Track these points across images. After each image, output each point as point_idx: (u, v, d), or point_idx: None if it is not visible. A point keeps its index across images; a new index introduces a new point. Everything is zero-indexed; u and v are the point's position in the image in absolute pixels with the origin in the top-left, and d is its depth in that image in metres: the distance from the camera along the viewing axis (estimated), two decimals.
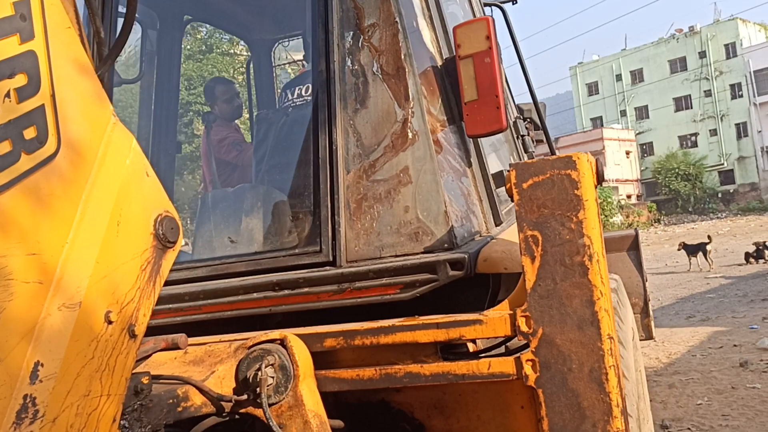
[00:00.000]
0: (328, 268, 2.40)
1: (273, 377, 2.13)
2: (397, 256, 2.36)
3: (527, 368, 2.03)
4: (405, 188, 2.39)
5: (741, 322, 9.75)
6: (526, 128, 4.47)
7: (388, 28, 2.50)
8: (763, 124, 57.65)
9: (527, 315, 2.03)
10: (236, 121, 4.47)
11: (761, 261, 16.16)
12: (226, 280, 2.51)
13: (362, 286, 2.34)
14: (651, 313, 6.64)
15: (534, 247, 2.04)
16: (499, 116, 2.44)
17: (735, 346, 8.27)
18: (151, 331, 2.44)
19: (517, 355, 2.06)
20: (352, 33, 2.54)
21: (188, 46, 29.02)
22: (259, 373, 2.09)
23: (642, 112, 65.41)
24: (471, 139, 2.66)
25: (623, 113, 66.17)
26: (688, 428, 5.59)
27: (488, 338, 2.16)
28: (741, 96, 59.00)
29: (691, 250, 18.29)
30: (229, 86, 4.56)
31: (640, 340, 6.67)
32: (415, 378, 2.16)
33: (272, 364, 2.13)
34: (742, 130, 59.52)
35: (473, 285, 2.47)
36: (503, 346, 2.35)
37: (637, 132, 64.43)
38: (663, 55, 63.58)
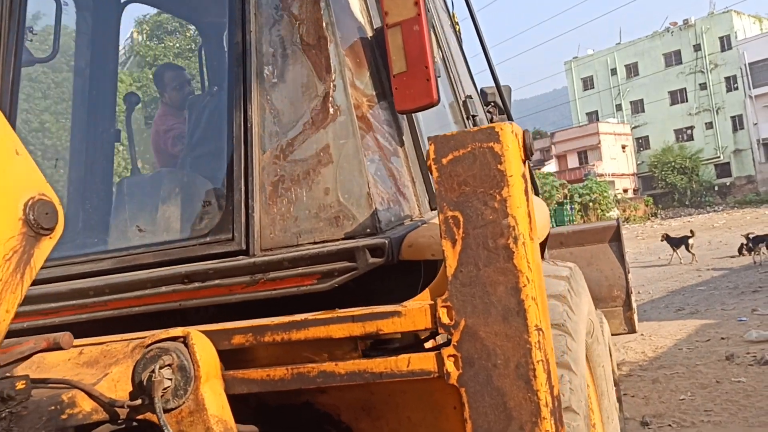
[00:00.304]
0: (241, 257, 2.19)
1: (171, 379, 1.91)
2: (315, 243, 2.15)
3: (449, 365, 1.82)
4: (325, 169, 2.18)
5: (730, 315, 9.55)
6: (489, 112, 4.26)
7: None
8: (758, 116, 57.51)
9: (448, 305, 1.82)
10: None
11: (753, 253, 15.94)
12: (133, 273, 2.30)
13: (276, 276, 2.12)
14: (634, 305, 6.44)
15: (455, 229, 1.83)
16: (429, 89, 2.23)
17: (722, 339, 8.07)
18: (59, 329, 2.24)
19: (439, 350, 1.84)
20: (270, 0, 2.33)
21: (177, 44, 28.82)
22: (154, 375, 1.88)
23: (637, 106, 65.26)
24: (405, 117, 2.44)
25: (619, 107, 66.04)
26: (669, 425, 5.39)
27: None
28: (736, 88, 58.84)
29: (675, 242, 18.42)
30: (178, 73, 4.34)
31: (623, 333, 6.47)
32: (330, 377, 1.94)
33: (170, 365, 1.92)
34: (737, 123, 59.38)
35: (408, 273, 2.26)
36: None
37: (633, 126, 64.31)
38: (658, 49, 63.40)
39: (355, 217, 2.13)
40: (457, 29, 4.11)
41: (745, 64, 57.34)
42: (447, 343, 1.84)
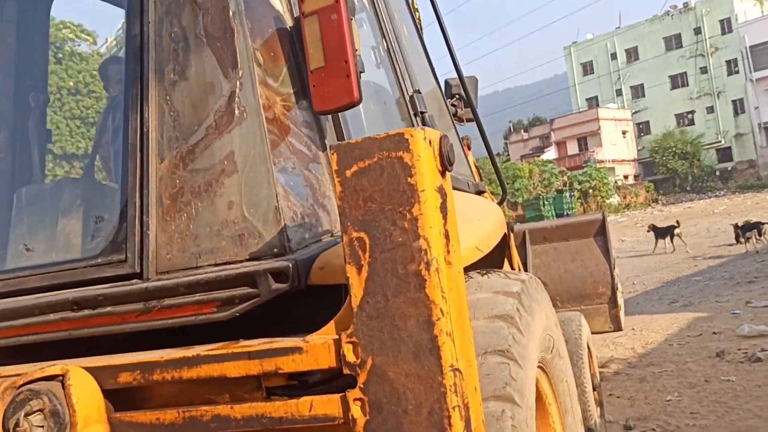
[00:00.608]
0: (135, 281, 1.93)
1: (42, 426, 1.67)
2: (216, 264, 1.89)
3: (355, 410, 1.57)
4: (229, 179, 1.92)
5: (724, 307, 9.30)
6: (454, 105, 3.99)
7: None
8: (760, 100, 57.06)
9: (354, 341, 1.57)
10: None
11: (745, 242, 15.66)
12: (21, 298, 2.04)
13: (172, 303, 1.87)
14: (620, 302, 6.19)
15: (360, 253, 1.57)
16: (349, 86, 1.96)
17: (714, 333, 7.82)
18: None
19: (344, 392, 1.59)
20: None
21: None
22: (19, 423, 1.64)
23: (638, 91, 64.81)
24: (329, 117, 2.18)
25: (619, 92, 65.58)
26: (653, 428, 5.15)
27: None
28: (737, 72, 58.36)
29: (660, 232, 18.58)
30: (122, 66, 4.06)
31: (609, 331, 6.23)
32: (225, 422, 1.69)
33: (41, 410, 1.67)
34: (739, 107, 58.92)
35: (335, 293, 2.01)
36: None
37: (633, 111, 63.88)
38: (658, 33, 62.86)
39: (261, 235, 1.87)
40: (417, 16, 3.84)
41: (745, 47, 56.81)
42: (353, 385, 1.59)
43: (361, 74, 2.03)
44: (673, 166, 57.79)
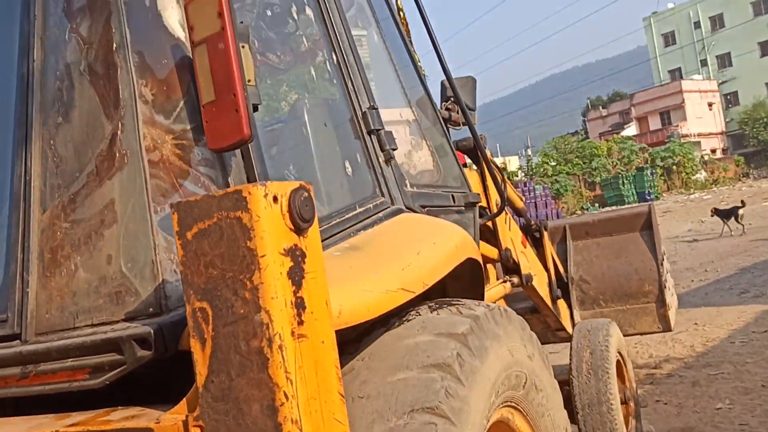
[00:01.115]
0: (15, 343, 1.81)
1: None
2: (94, 325, 1.74)
3: None
4: (109, 230, 1.76)
5: None
6: (448, 109, 3.72)
7: (99, 12, 1.87)
8: None
9: (200, 425, 1.40)
10: None
11: None
12: None
13: (47, 369, 1.73)
14: (669, 300, 5.76)
15: (204, 325, 1.39)
16: (239, 122, 1.76)
17: None
18: None
19: None
20: (58, 20, 1.92)
21: None
22: None
23: (724, 60, 61.69)
24: (235, 152, 1.98)
25: (704, 63, 62.59)
26: None
27: None
28: None
29: (724, 214, 18.00)
30: None
31: (657, 332, 5.85)
32: None
33: None
34: None
35: None
36: None
37: (720, 82, 60.85)
38: None
39: (137, 292, 1.71)
40: (402, 16, 3.59)
41: None
42: None
43: (257, 107, 1.83)
44: (765, 138, 54.74)
